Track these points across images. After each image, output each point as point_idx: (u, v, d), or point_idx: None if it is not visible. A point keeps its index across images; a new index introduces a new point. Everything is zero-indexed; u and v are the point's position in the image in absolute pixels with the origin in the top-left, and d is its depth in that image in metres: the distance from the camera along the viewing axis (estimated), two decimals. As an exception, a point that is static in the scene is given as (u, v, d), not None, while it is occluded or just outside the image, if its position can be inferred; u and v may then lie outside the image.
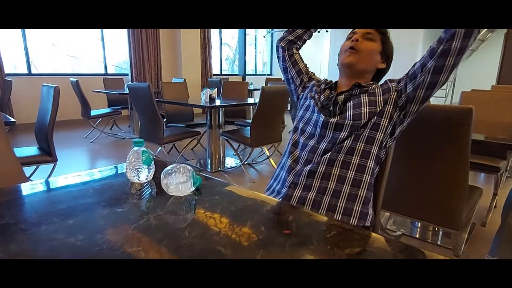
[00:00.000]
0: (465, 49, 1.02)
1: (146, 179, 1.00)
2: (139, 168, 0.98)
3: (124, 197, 0.88)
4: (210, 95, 3.57)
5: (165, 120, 4.13)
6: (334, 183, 1.13)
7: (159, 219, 0.75)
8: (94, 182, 1.00)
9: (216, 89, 3.80)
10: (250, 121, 3.35)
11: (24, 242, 0.64)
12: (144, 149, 1.00)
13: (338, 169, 1.14)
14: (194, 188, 0.93)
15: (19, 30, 5.61)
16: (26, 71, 5.84)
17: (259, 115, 3.19)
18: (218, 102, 3.62)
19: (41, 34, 5.98)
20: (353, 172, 1.13)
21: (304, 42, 1.47)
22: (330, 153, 1.15)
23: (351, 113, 1.16)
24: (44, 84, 2.39)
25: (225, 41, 9.32)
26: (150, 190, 0.95)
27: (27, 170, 2.50)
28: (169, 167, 0.91)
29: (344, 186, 1.13)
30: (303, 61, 1.46)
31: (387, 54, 1.31)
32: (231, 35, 9.48)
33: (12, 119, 2.24)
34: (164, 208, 0.82)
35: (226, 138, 3.48)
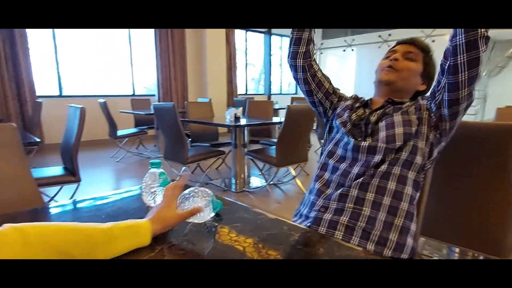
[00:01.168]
0: (474, 62, 0.89)
1: (163, 203, 0.92)
2: (155, 191, 0.91)
3: (138, 223, 0.81)
4: (235, 114, 3.52)
5: (190, 139, 4.12)
6: (369, 209, 1.02)
7: (173, 250, 0.67)
8: (108, 207, 0.94)
9: (241, 108, 3.75)
10: (276, 140, 3.27)
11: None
12: (162, 170, 0.93)
13: (373, 194, 1.02)
14: (214, 214, 0.84)
15: (52, 53, 5.84)
16: (57, 93, 6.04)
17: (284, 134, 3.10)
18: (243, 121, 3.56)
19: (73, 56, 6.21)
20: (390, 199, 1.02)
21: (314, 44, 1.28)
22: (363, 178, 1.04)
23: (384, 135, 1.06)
24: (70, 105, 2.41)
25: (250, 62, 9.39)
26: (166, 215, 0.87)
27: (52, 190, 2.52)
28: (187, 191, 0.83)
29: (380, 213, 1.01)
30: (326, 78, 1.30)
31: (429, 76, 1.19)
32: (257, 55, 9.55)
33: (37, 139, 2.26)
34: (180, 237, 0.73)
35: (251, 158, 3.40)
